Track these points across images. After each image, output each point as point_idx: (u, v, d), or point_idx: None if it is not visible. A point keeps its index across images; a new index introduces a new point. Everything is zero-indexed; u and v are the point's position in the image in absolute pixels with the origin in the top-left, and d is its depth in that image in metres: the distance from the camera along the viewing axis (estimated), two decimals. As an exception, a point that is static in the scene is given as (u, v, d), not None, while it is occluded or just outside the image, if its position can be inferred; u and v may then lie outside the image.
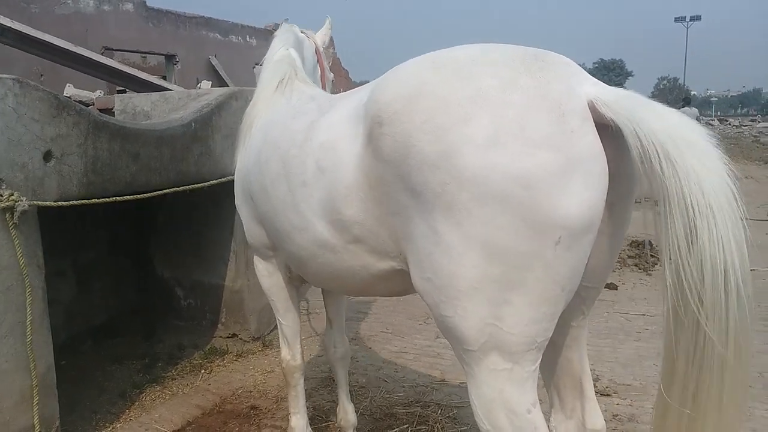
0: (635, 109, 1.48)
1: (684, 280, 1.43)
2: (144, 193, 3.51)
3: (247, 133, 2.78)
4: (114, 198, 3.28)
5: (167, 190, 3.65)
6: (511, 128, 1.47)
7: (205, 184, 3.99)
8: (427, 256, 1.63)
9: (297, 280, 2.83)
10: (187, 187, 3.82)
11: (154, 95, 4.84)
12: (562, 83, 1.54)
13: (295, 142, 2.17)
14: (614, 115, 1.49)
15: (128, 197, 3.36)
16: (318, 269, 2.21)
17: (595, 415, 1.98)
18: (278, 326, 2.95)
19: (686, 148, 1.42)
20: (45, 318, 3.00)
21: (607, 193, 1.55)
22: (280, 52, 3.00)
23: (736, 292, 1.41)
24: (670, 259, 1.47)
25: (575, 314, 1.88)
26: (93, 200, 3.19)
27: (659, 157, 1.43)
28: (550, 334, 1.64)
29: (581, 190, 1.48)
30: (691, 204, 1.40)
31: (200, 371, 4.32)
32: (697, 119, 20.84)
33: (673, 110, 1.52)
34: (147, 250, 5.16)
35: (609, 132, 1.51)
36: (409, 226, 1.68)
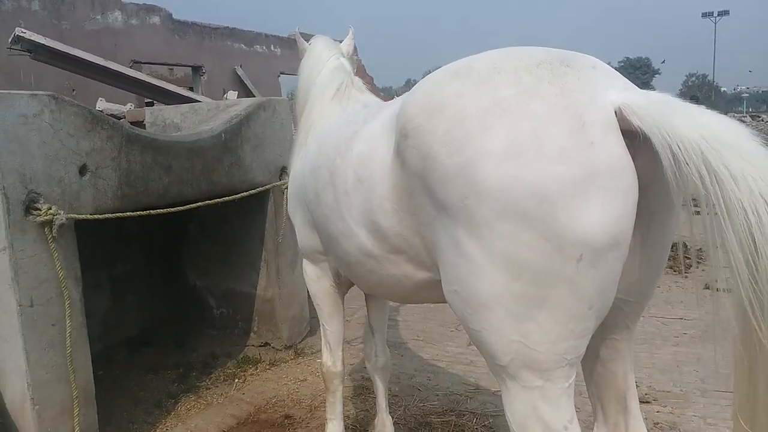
0: (665, 115, 1.39)
1: (750, 308, 1.34)
2: (177, 205, 3.55)
3: (303, 142, 2.84)
4: (148, 211, 3.32)
5: (199, 204, 3.69)
6: (528, 140, 1.43)
7: (236, 196, 4.01)
8: (452, 268, 1.61)
9: (345, 286, 2.84)
10: (219, 200, 3.84)
11: (184, 107, 4.90)
12: (586, 91, 1.47)
13: (340, 151, 2.20)
14: (642, 122, 1.41)
15: (162, 210, 3.40)
16: (364, 275, 2.23)
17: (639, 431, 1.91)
18: (322, 331, 2.96)
19: (729, 152, 1.32)
20: (83, 330, 3.05)
21: (644, 206, 1.48)
22: (332, 60, 3.02)
23: None
24: (727, 287, 1.39)
25: (618, 328, 1.82)
26: (128, 213, 3.23)
27: (697, 166, 1.33)
28: (582, 351, 1.59)
29: (602, 205, 1.41)
30: (747, 216, 1.29)
31: (234, 380, 4.34)
32: None
33: (709, 112, 1.42)
34: (179, 261, 5.21)
35: (640, 141, 1.43)
36: (438, 237, 1.66)
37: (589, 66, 1.56)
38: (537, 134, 1.43)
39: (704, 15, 73.92)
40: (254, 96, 14.42)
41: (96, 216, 3.06)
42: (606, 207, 1.41)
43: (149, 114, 5.03)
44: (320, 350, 4.70)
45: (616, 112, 1.45)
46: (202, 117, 4.65)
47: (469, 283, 1.56)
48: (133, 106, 8.07)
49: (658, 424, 3.42)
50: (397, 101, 2.04)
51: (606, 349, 1.86)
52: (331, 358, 2.95)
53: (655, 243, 1.66)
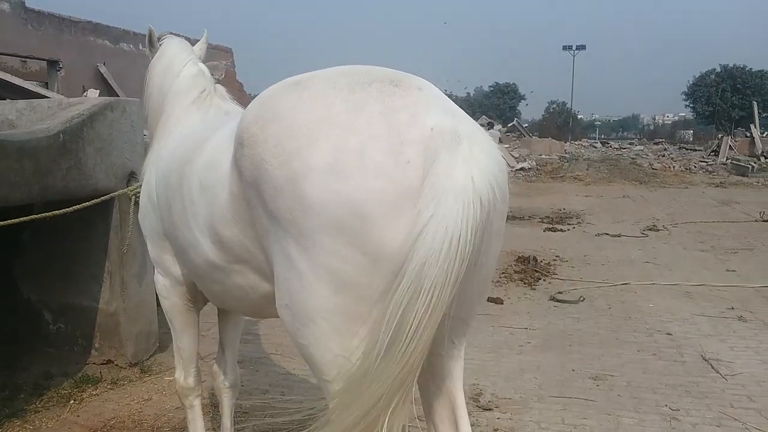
0: (439, 149, 1.46)
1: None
2: (2, 211, 3.21)
3: (154, 146, 2.75)
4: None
5: (30, 217, 3.33)
6: (351, 156, 1.46)
7: (75, 207, 3.61)
8: (284, 282, 1.60)
9: (201, 300, 2.73)
10: (56, 212, 3.46)
11: (21, 103, 4.49)
12: (408, 110, 1.52)
13: (189, 159, 2.15)
14: (427, 149, 1.46)
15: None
16: (211, 287, 2.20)
17: None
18: (174, 346, 2.86)
19: (446, 205, 1.41)
20: None
21: None
22: (190, 66, 2.92)
23: None
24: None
25: (443, 343, 1.80)
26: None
27: (422, 207, 1.42)
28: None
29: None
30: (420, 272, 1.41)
31: (69, 402, 3.99)
32: (500, 140, 21.43)
33: (479, 164, 1.47)
34: (10, 272, 4.73)
35: None
36: (272, 250, 1.64)
37: (415, 87, 1.61)
38: (359, 150, 1.46)
39: (564, 48, 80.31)
40: (118, 96, 13.61)
41: None
42: None
43: (-20, 109, 4.54)
44: (169, 368, 4.51)
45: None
46: (41, 115, 4.27)
47: (298, 297, 1.56)
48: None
49: (497, 430, 3.59)
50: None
51: (435, 366, 1.87)
52: (183, 373, 2.85)
53: (479, 261, 1.71)
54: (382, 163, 1.45)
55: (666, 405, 3.86)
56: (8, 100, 5.15)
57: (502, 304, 6.15)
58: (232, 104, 2.91)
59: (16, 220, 3.16)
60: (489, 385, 4.20)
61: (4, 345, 4.65)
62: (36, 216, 3.39)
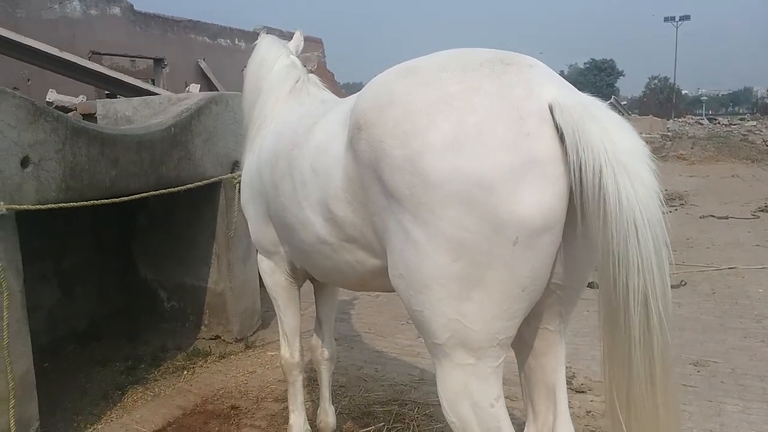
0: (582, 117, 1.51)
1: (612, 301, 1.53)
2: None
3: (255, 136, 2.90)
4: (91, 201, 3.32)
5: (144, 194, 3.69)
6: (470, 132, 1.54)
7: (184, 187, 4.02)
8: (399, 253, 1.70)
9: (301, 278, 2.89)
10: (165, 190, 3.86)
11: (136, 100, 4.88)
12: (523, 86, 1.59)
13: (298, 143, 2.29)
14: (562, 121, 1.53)
15: (105, 201, 3.40)
16: (320, 262, 2.31)
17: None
18: (279, 323, 3.02)
19: (619, 169, 1.46)
20: (24, 322, 3.03)
21: (577, 194, 1.56)
22: (283, 59, 3.08)
23: (658, 320, 1.49)
24: (601, 280, 1.55)
25: (552, 316, 1.86)
26: (70, 204, 3.23)
27: (591, 174, 1.47)
28: (513, 333, 1.69)
29: (537, 191, 1.52)
30: (616, 228, 1.46)
31: (183, 372, 4.36)
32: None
33: (624, 126, 1.54)
34: (130, 254, 5.20)
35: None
36: (387, 225, 1.75)
37: (526, 65, 1.68)
38: (478, 126, 1.54)
39: (666, 19, 75.65)
40: (217, 90, 14.31)
41: (37, 207, 3.05)
42: (540, 192, 1.52)
43: (101, 107, 4.99)
44: (270, 343, 4.81)
45: (549, 107, 1.56)
46: (153, 110, 4.64)
47: (414, 266, 1.65)
48: (86, 98, 7.94)
49: (590, 412, 3.58)
50: (353, 98, 2.13)
51: (539, 340, 1.91)
52: (289, 349, 3.01)
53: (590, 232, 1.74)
54: (503, 136, 1.52)
55: (774, 393, 3.68)
56: (123, 98, 5.61)
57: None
58: (327, 92, 3.04)
59: (136, 196, 3.50)
60: (582, 369, 4.16)
61: (127, 320, 5.14)
62: (153, 192, 3.75)
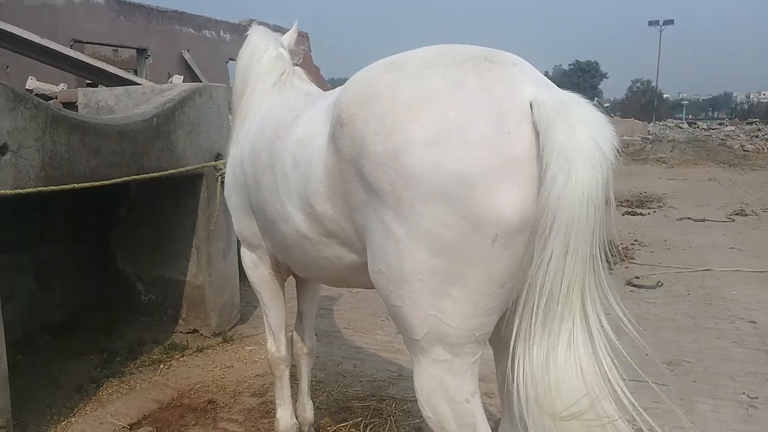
0: (554, 115, 1.51)
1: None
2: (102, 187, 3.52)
3: (240, 127, 2.88)
4: (62, 186, 3.26)
5: (124, 179, 3.65)
6: (452, 128, 1.54)
7: (165, 173, 3.97)
8: (379, 249, 1.71)
9: (284, 272, 2.88)
10: (146, 175, 3.81)
11: (118, 89, 4.82)
12: (505, 84, 1.59)
13: (280, 135, 2.27)
14: (538, 119, 1.53)
15: (85, 184, 3.36)
16: (300, 257, 2.30)
17: None
18: (264, 317, 3.00)
19: (562, 166, 1.46)
20: (-4, 313, 2.99)
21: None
22: (271, 50, 3.05)
23: None
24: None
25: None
26: (48, 188, 3.18)
27: (554, 173, 1.47)
28: (490, 329, 1.71)
29: (515, 189, 1.53)
30: (541, 227, 1.50)
31: (159, 366, 4.33)
32: None
33: (591, 123, 1.52)
34: (108, 246, 5.14)
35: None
36: (367, 221, 1.75)
37: (510, 62, 1.68)
38: (460, 123, 1.54)
39: (650, 23, 76.41)
40: (201, 81, 14.18)
41: (8, 192, 3.00)
42: (518, 191, 1.53)
43: (82, 95, 4.92)
44: (248, 337, 4.80)
45: (530, 105, 1.56)
46: (136, 100, 4.59)
47: (394, 262, 1.66)
48: (67, 86, 7.83)
49: (565, 409, 3.61)
50: (335, 91, 2.12)
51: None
52: (275, 343, 2.99)
53: None
54: (484, 134, 1.52)
55: (744, 393, 3.75)
56: (108, 88, 5.54)
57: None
58: (312, 85, 3.02)
59: (117, 180, 3.46)
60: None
61: (103, 313, 5.08)
62: (134, 177, 3.72)
